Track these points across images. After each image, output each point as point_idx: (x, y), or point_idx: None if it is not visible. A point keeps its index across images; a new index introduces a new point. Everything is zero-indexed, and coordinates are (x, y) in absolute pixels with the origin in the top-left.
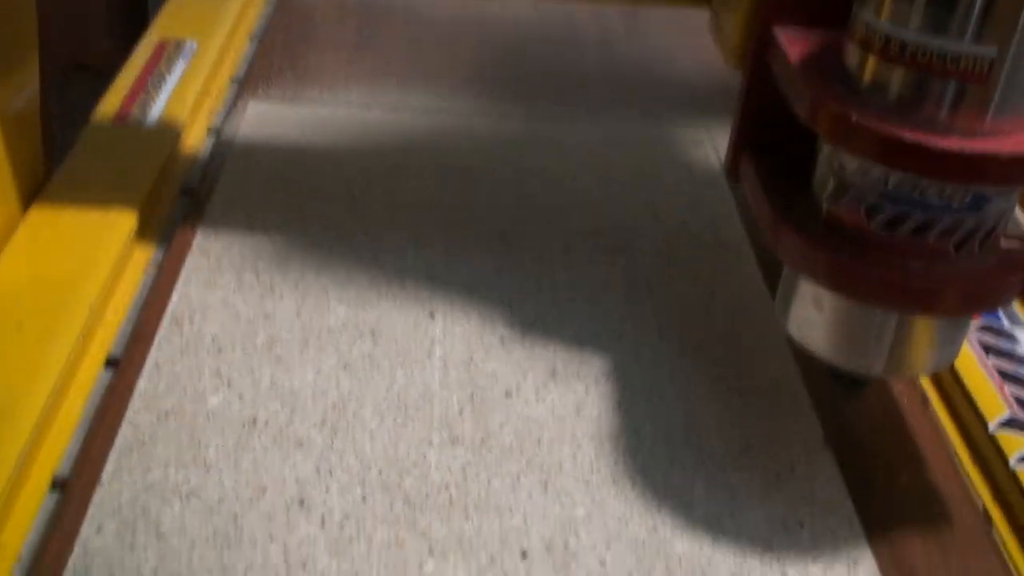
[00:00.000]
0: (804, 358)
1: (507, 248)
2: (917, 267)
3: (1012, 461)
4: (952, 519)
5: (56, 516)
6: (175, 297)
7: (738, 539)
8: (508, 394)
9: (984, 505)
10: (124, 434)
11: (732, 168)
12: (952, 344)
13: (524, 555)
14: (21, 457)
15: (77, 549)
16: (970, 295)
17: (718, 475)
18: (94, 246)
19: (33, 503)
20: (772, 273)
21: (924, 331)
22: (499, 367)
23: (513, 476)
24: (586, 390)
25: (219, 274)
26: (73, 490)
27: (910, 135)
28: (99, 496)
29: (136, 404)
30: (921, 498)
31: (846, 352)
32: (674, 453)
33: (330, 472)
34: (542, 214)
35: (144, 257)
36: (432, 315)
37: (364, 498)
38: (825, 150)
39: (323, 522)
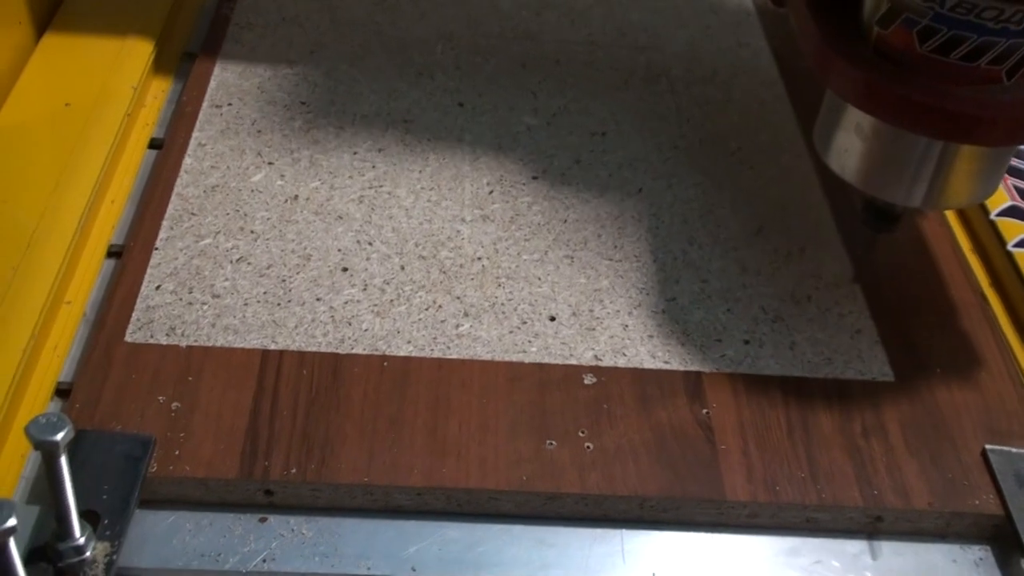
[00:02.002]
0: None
1: (532, 44)
2: (967, 94)
3: (1009, 245)
4: (951, 297)
5: (117, 276)
6: (213, 83)
7: (750, 309)
8: (535, 177)
9: (981, 285)
10: (174, 205)
11: None
12: (993, 176)
13: (553, 319)
14: (80, 224)
15: (139, 305)
16: (1019, 124)
17: (732, 253)
18: (132, 33)
19: (93, 267)
20: (790, 73)
21: (967, 162)
22: (525, 153)
23: (541, 251)
24: (609, 175)
25: (254, 63)
26: (131, 253)
27: None
28: (156, 259)
29: (184, 179)
30: (922, 279)
31: (886, 182)
32: (691, 233)
33: (370, 243)
34: (566, 14)
35: (180, 45)
36: (461, 104)
37: (403, 267)
38: None
39: (365, 286)
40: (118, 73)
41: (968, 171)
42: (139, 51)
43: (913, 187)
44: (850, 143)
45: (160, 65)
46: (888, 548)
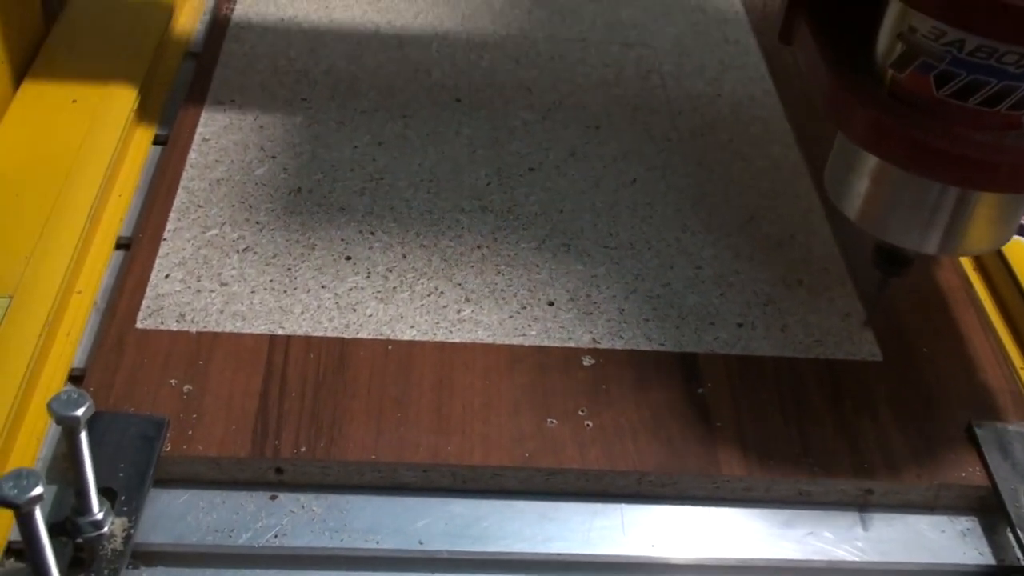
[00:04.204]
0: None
1: (525, 41)
2: (986, 139)
3: None
4: (937, 280)
5: (127, 266)
6: (215, 81)
7: (743, 293)
8: (532, 169)
9: (965, 269)
10: (181, 198)
11: (785, 30)
12: (1010, 223)
13: (551, 303)
14: (89, 216)
15: (149, 293)
16: None
17: (725, 240)
18: (135, 35)
19: (102, 258)
20: (776, 65)
21: (984, 208)
22: (522, 146)
23: (539, 239)
24: (604, 167)
25: (255, 60)
26: (140, 243)
27: None
28: (164, 249)
29: (189, 173)
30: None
31: (899, 227)
32: (685, 221)
33: (372, 233)
34: (557, 12)
35: (182, 46)
36: (458, 100)
37: (404, 255)
38: (892, 11)
39: (369, 274)
40: (123, 72)
41: (985, 217)
42: (141, 52)
43: (927, 233)
44: (862, 187)
45: (162, 65)
46: (879, 520)
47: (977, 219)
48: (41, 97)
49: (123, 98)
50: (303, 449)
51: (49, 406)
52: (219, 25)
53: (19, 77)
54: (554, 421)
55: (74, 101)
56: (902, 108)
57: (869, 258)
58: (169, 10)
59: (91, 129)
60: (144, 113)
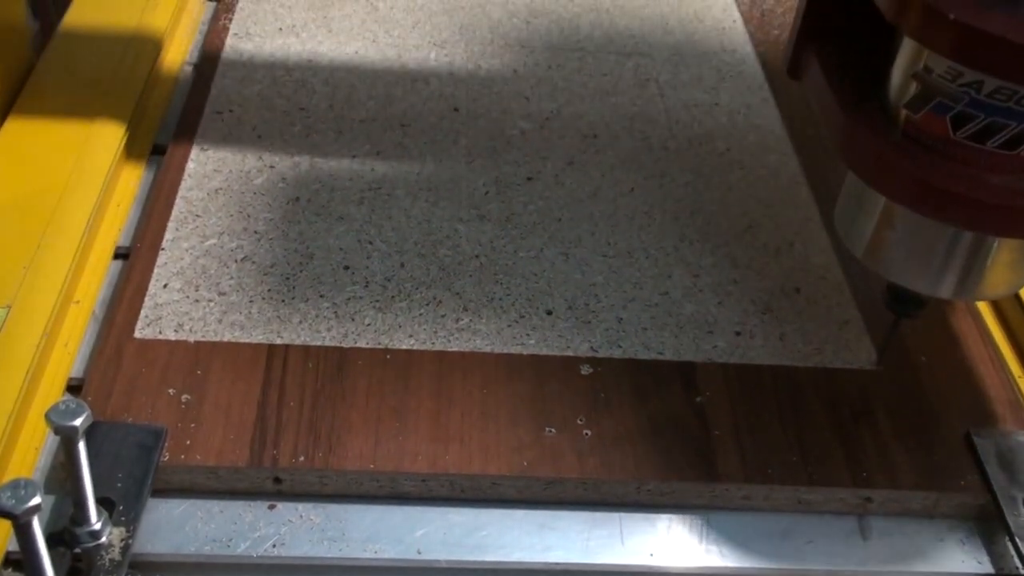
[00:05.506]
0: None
1: (523, 51)
2: (1005, 183)
3: None
4: None
5: (125, 275)
6: (214, 91)
7: (741, 302)
8: (530, 178)
9: None
10: (179, 208)
11: (794, 65)
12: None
13: (549, 312)
14: (87, 226)
15: (147, 302)
16: None
17: (722, 248)
18: (132, 50)
19: (100, 268)
20: (775, 77)
21: (1001, 252)
22: (520, 156)
23: (537, 248)
24: (601, 175)
25: (253, 71)
26: (138, 253)
27: (1019, 35)
28: (162, 259)
29: (187, 183)
30: None
31: (913, 271)
32: (683, 230)
33: (370, 243)
34: (555, 22)
35: (180, 56)
36: (456, 109)
37: (403, 265)
38: (906, 50)
39: (367, 283)
40: (121, 83)
41: (1004, 263)
42: (140, 63)
43: (941, 277)
44: (874, 229)
45: (161, 75)
46: (877, 528)
47: (995, 264)
48: (38, 108)
49: (121, 108)
50: (301, 458)
51: (47, 416)
52: (217, 35)
53: (16, 88)
54: (553, 430)
55: (72, 112)
56: (916, 149)
57: (882, 300)
58: (165, 22)
59: (89, 138)
60: (142, 123)
